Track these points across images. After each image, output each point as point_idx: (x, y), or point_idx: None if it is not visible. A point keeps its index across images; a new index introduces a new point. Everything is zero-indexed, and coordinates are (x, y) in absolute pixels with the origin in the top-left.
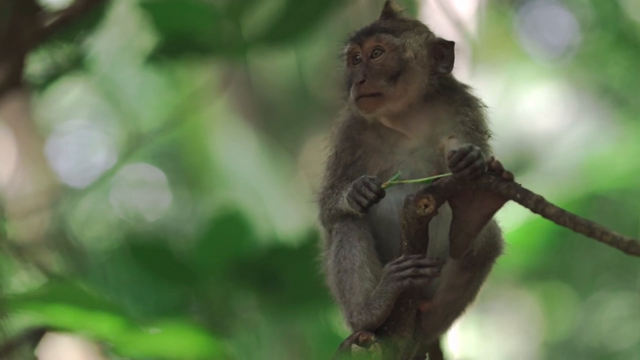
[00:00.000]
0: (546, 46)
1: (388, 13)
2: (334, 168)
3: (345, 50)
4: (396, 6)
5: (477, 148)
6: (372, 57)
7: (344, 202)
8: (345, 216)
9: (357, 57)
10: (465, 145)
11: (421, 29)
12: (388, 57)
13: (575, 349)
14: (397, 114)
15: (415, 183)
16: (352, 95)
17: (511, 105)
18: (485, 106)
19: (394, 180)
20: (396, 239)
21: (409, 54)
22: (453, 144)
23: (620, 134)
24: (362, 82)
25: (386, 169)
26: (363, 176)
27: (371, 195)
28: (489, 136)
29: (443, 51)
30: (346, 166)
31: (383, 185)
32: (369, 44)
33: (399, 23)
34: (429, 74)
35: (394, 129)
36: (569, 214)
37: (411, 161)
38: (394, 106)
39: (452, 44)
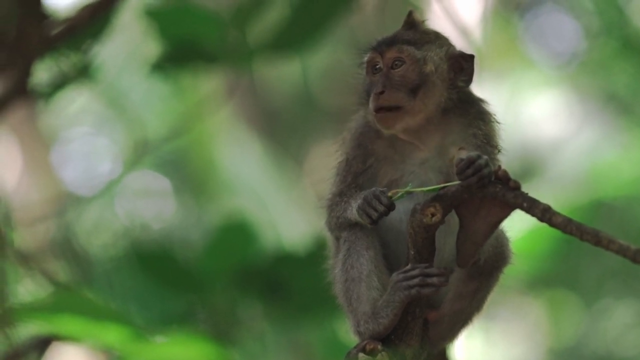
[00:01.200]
0: (551, 53)
1: (410, 23)
2: (344, 175)
3: (366, 58)
4: (418, 17)
5: (485, 157)
6: (392, 67)
7: (352, 213)
8: (353, 225)
9: (377, 66)
10: (473, 154)
11: (442, 42)
12: (409, 69)
13: (581, 356)
14: (414, 127)
15: (424, 192)
16: (370, 106)
17: (516, 113)
18: (498, 122)
19: (405, 192)
20: (404, 248)
21: (430, 67)
22: (462, 154)
23: (625, 141)
24: (382, 92)
25: (396, 178)
26: (374, 189)
27: (382, 208)
28: (499, 151)
29: (463, 64)
30: (356, 174)
31: (390, 194)
32: (390, 54)
33: (421, 35)
34: (448, 87)
35: (407, 140)
36: (575, 223)
37: (421, 172)
38: (413, 121)
39: (472, 57)
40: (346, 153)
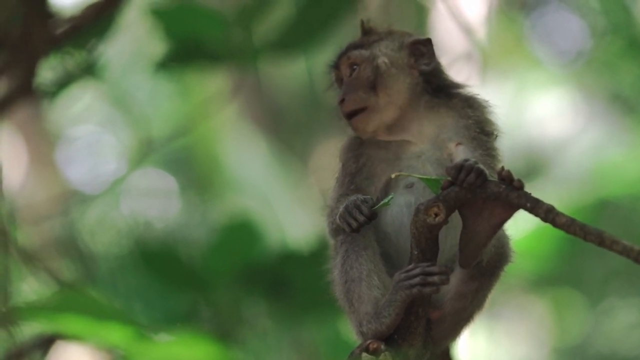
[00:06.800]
0: (557, 52)
1: (364, 31)
2: (342, 179)
3: (332, 78)
4: (369, 23)
5: (473, 159)
6: (350, 75)
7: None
8: None
9: (342, 80)
10: (459, 160)
11: (394, 36)
12: (361, 69)
13: (585, 356)
14: (393, 123)
15: (423, 182)
16: (341, 117)
17: (521, 111)
18: (487, 103)
19: (387, 202)
20: (406, 241)
21: (381, 60)
22: (459, 150)
23: (630, 140)
24: (342, 100)
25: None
26: (355, 197)
27: (362, 218)
28: (496, 136)
29: (422, 50)
30: (352, 175)
31: (394, 176)
32: (344, 64)
33: (370, 37)
34: (412, 74)
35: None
36: (579, 223)
37: (418, 164)
38: (385, 116)
39: (428, 40)
40: (341, 159)
